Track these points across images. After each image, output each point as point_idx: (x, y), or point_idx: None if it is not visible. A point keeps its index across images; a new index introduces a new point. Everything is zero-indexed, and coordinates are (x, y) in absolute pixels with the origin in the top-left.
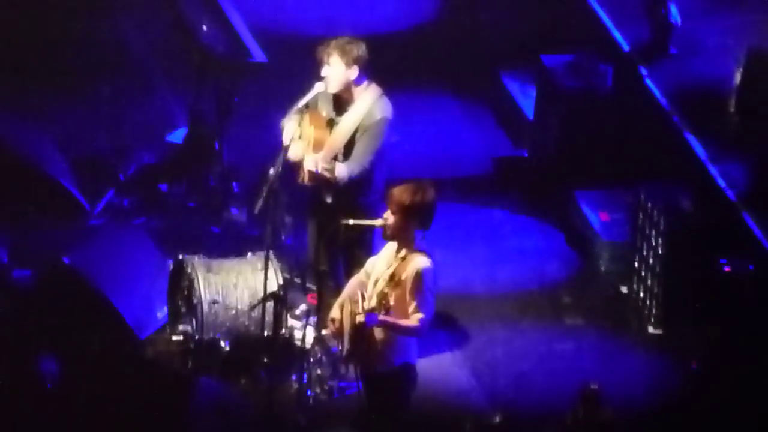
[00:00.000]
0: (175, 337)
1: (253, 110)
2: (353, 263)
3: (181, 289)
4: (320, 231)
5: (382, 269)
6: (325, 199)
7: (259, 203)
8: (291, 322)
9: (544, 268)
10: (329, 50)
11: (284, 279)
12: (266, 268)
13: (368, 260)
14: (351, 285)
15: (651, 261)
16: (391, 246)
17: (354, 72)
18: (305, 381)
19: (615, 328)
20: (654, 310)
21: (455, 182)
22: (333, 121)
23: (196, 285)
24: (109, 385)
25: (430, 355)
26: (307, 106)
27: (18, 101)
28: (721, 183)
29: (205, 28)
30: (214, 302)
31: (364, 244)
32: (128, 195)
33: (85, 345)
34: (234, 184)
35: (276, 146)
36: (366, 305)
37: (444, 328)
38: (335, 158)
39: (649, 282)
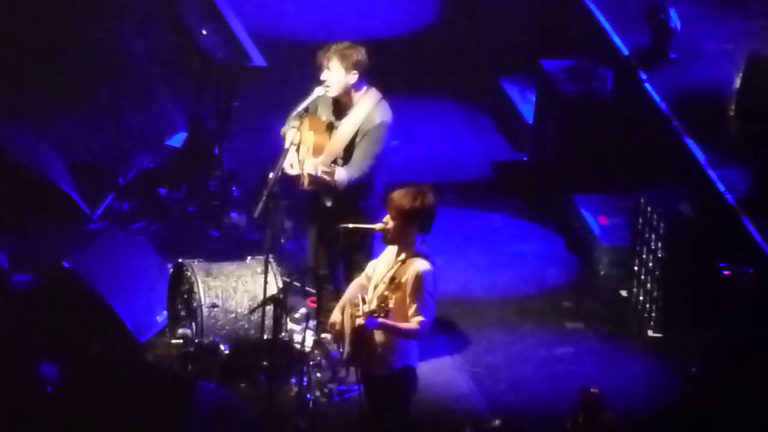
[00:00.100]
0: (174, 341)
1: (252, 114)
2: (353, 267)
3: (180, 293)
4: (320, 235)
5: (383, 272)
6: (324, 203)
7: (259, 207)
8: (290, 325)
9: (544, 272)
10: (329, 55)
11: (284, 283)
12: (266, 272)
13: (369, 263)
14: (352, 288)
15: (651, 265)
16: (391, 249)
17: (354, 77)
18: (305, 384)
19: (615, 331)
20: (654, 314)
21: (455, 186)
22: (333, 125)
23: (195, 289)
24: (109, 388)
25: (430, 359)
26: (306, 110)
27: (18, 106)
28: (721, 187)
29: (204, 32)
30: (214, 306)
31: (364, 248)
32: (128, 199)
33: (84, 349)
34: (233, 188)
35: (276, 150)
36: (366, 308)
37: (444, 332)
38: (335, 162)
39: (648, 286)
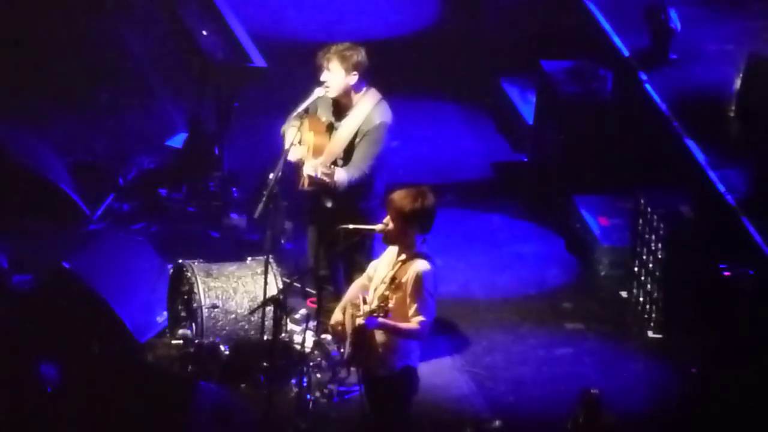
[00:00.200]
0: (174, 342)
1: (253, 115)
2: (353, 268)
3: (180, 294)
4: (320, 236)
5: (384, 273)
6: (325, 204)
7: (259, 208)
8: (291, 326)
9: (544, 273)
10: (329, 56)
11: (284, 284)
12: (266, 273)
13: (371, 264)
14: (353, 289)
15: (651, 266)
16: (392, 249)
17: (353, 78)
18: (305, 385)
19: (615, 332)
20: (654, 315)
21: (455, 187)
22: (333, 126)
23: (195, 289)
24: (109, 389)
25: (431, 360)
26: (306, 111)
27: (18, 106)
28: (721, 188)
29: (205, 33)
30: (214, 307)
31: (364, 249)
32: (128, 200)
33: (84, 349)
34: (234, 189)
35: (276, 151)
36: (367, 309)
37: (444, 333)
38: (335, 163)
39: (649, 287)
